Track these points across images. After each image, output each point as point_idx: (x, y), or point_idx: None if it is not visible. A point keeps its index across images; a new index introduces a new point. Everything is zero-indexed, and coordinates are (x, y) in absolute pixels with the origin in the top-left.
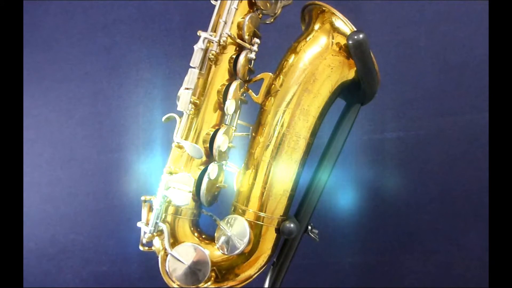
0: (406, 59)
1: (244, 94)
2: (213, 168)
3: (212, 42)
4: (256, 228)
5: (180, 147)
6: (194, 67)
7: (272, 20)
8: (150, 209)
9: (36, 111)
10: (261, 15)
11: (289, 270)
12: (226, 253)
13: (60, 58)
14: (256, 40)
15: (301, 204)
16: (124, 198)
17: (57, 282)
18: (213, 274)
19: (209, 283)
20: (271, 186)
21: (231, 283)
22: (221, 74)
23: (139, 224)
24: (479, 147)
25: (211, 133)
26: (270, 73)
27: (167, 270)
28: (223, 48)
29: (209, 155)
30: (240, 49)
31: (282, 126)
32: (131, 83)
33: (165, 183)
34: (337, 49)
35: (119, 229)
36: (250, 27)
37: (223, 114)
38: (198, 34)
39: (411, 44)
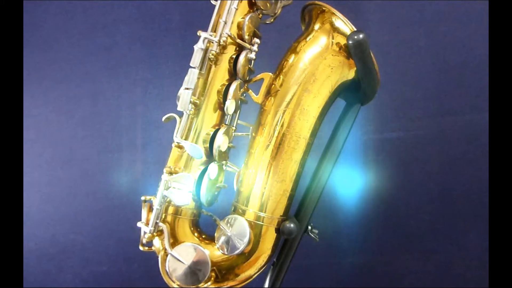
0: (406, 59)
1: (244, 94)
2: (213, 168)
3: (212, 42)
4: (256, 228)
5: (180, 147)
6: (194, 67)
7: (272, 20)
8: (150, 209)
9: (36, 111)
10: (261, 15)
11: (289, 270)
12: (226, 253)
13: (60, 58)
14: (256, 40)
15: (301, 204)
16: (124, 198)
17: (57, 282)
18: (213, 274)
19: (209, 283)
20: (271, 186)
21: (231, 283)
22: (221, 74)
23: (139, 224)
24: (479, 147)
25: (211, 133)
26: (270, 73)
27: (167, 270)
28: (223, 48)
29: (209, 155)
30: (240, 49)
31: (282, 126)
32: (131, 83)
33: (165, 183)
34: (337, 49)
35: (119, 229)
36: (250, 27)
37: (223, 114)
38: (198, 34)
39: (411, 44)
